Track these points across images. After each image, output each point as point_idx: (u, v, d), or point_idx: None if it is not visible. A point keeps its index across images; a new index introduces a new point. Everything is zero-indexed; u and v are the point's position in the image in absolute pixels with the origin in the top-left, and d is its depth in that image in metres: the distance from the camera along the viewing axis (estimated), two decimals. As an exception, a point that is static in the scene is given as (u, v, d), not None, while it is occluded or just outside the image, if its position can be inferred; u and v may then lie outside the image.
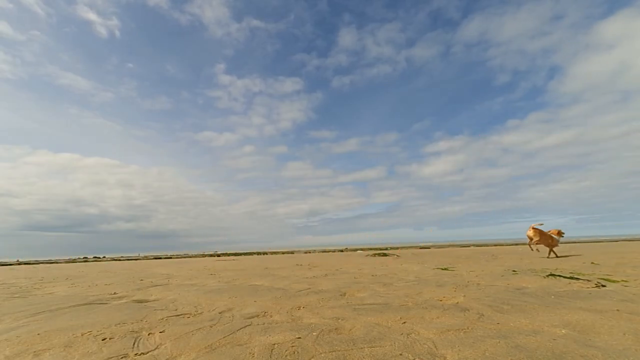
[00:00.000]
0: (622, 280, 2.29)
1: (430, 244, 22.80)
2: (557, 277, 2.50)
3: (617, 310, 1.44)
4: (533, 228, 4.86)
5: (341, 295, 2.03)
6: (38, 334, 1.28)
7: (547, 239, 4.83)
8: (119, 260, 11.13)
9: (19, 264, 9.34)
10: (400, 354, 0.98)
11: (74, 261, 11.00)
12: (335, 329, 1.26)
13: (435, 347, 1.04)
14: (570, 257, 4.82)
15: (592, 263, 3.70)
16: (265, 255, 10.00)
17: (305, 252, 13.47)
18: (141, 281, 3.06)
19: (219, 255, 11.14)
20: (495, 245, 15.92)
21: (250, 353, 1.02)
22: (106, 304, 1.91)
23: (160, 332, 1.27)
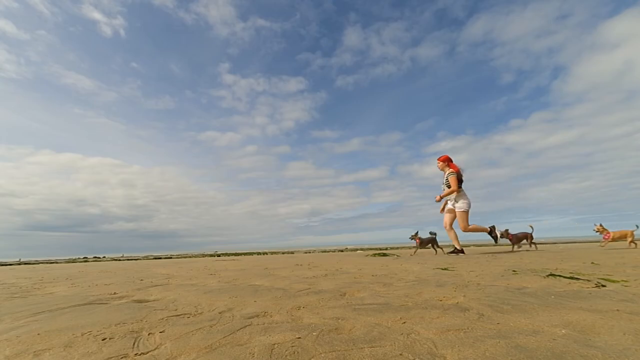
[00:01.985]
0: (622, 280, 2.29)
1: (430, 244, 22.73)
2: (557, 277, 2.50)
3: (617, 310, 1.44)
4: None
5: (341, 295, 2.02)
6: (38, 334, 1.28)
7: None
8: (119, 260, 11.12)
9: (20, 264, 9.33)
10: (400, 354, 0.98)
11: (74, 261, 10.98)
12: (335, 329, 1.26)
13: (435, 347, 1.04)
14: (570, 257, 4.82)
15: (592, 263, 3.70)
16: (265, 255, 10.00)
17: (305, 252, 13.45)
18: (141, 281, 3.06)
19: (219, 255, 11.14)
20: (495, 245, 15.89)
21: (250, 353, 1.02)
22: (106, 304, 1.91)
23: (160, 332, 1.27)
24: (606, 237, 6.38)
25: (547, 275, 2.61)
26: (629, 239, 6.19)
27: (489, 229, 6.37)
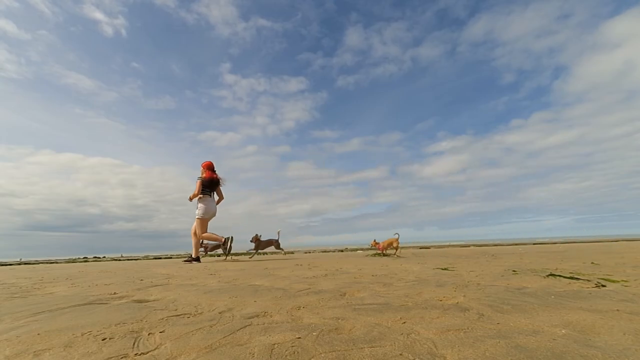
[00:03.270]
0: (622, 280, 2.29)
1: (430, 244, 22.78)
2: (557, 277, 2.50)
3: (617, 310, 1.44)
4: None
5: (341, 295, 2.02)
6: (38, 334, 1.28)
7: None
8: (119, 260, 11.11)
9: (20, 264, 9.32)
10: (400, 354, 0.98)
11: (74, 261, 10.97)
12: (335, 329, 1.26)
13: (435, 347, 1.04)
14: (570, 257, 4.82)
15: (592, 263, 3.70)
16: (265, 255, 10.00)
17: (305, 252, 13.45)
18: (141, 281, 3.05)
19: (218, 255, 11.14)
20: (495, 245, 15.91)
21: (250, 353, 1.02)
22: (106, 304, 1.91)
23: (160, 332, 1.27)
24: (379, 249, 6.89)
25: (547, 275, 2.61)
26: (394, 245, 6.68)
27: (223, 240, 6.27)
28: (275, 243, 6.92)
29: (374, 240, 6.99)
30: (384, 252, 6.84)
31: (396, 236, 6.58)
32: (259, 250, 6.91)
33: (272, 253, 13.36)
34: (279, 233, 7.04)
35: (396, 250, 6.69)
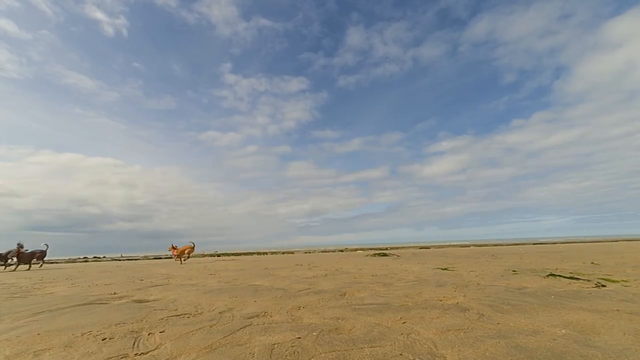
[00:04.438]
0: (622, 280, 2.29)
1: (430, 244, 22.82)
2: (557, 277, 2.50)
3: (617, 310, 1.45)
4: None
5: (341, 295, 2.03)
6: (38, 334, 1.28)
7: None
8: (119, 260, 11.12)
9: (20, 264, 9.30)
10: (400, 354, 0.98)
11: (74, 261, 10.98)
12: (335, 329, 1.26)
13: (435, 347, 1.04)
14: (570, 257, 4.82)
15: (592, 263, 3.71)
16: (265, 255, 9.99)
17: (305, 252, 13.47)
18: (141, 281, 3.06)
19: (219, 255, 11.14)
20: (495, 245, 15.93)
21: (250, 353, 1.02)
22: (106, 304, 1.91)
23: (160, 332, 1.27)
24: (174, 254, 7.22)
25: (547, 275, 2.62)
26: (187, 252, 7.04)
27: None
28: (39, 255, 6.85)
29: (172, 245, 7.34)
30: (180, 257, 7.07)
31: (191, 244, 7.06)
32: (24, 263, 6.78)
33: (272, 253, 13.34)
34: (47, 246, 7.09)
35: (188, 256, 7.02)
